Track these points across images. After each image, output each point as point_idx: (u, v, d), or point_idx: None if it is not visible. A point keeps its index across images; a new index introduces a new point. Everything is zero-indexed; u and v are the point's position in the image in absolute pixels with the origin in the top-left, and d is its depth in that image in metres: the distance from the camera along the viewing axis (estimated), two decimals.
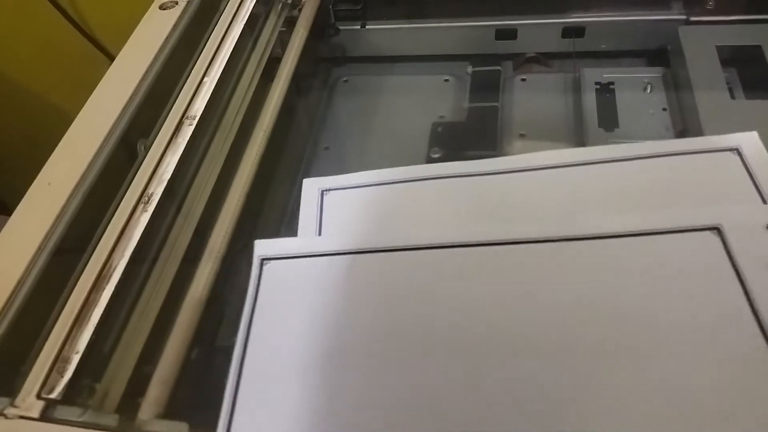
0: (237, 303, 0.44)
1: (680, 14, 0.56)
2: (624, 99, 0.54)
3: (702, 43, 0.52)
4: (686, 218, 0.38)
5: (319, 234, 0.43)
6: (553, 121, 0.56)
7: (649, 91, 0.55)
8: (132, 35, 0.54)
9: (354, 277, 0.39)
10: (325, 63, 0.65)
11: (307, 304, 0.38)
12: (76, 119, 0.47)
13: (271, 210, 0.52)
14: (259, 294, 0.38)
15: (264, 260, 0.40)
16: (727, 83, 0.50)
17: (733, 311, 0.34)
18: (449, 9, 0.62)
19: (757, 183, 0.41)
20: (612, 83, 0.56)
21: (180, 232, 0.43)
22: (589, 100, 0.55)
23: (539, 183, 0.44)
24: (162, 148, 0.45)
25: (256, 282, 0.39)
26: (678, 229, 0.38)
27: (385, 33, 0.63)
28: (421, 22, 0.63)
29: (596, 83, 0.56)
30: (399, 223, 0.43)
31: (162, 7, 0.56)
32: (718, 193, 0.41)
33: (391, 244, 0.40)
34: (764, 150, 0.42)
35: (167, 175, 0.43)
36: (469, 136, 0.56)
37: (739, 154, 0.43)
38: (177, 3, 0.56)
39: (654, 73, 0.56)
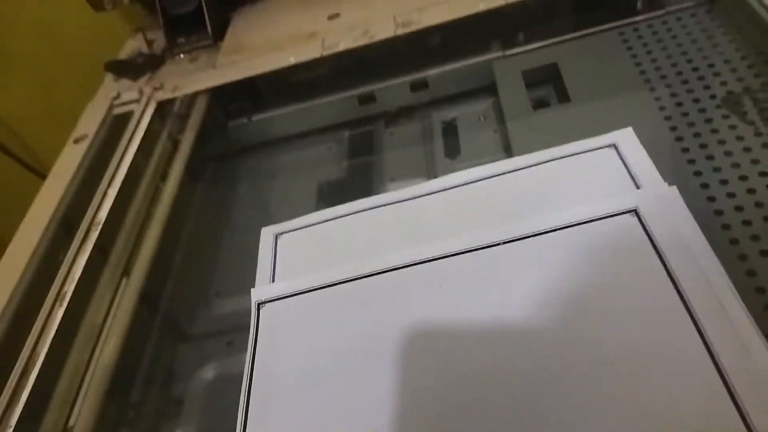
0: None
1: (498, 51, 0.66)
2: (464, 130, 0.64)
3: (510, 70, 0.62)
4: (605, 207, 0.43)
5: (274, 274, 0.50)
6: (412, 160, 0.65)
7: (483, 119, 0.64)
8: (54, 166, 0.65)
9: (334, 305, 0.46)
10: (215, 158, 0.75)
11: (301, 331, 0.45)
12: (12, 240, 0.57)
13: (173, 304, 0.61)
14: (259, 331, 0.45)
15: (260, 304, 0.47)
16: (541, 99, 0.60)
17: (656, 286, 0.38)
18: (317, 90, 0.73)
19: (632, 173, 0.45)
20: (455, 119, 0.66)
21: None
22: (438, 137, 0.65)
23: (452, 200, 0.51)
24: (74, 252, 0.55)
25: (255, 322, 0.46)
26: (598, 217, 0.43)
27: (269, 121, 0.74)
28: (298, 105, 0.74)
29: (442, 122, 0.66)
30: (353, 251, 0.50)
31: (75, 141, 0.67)
32: (600, 186, 0.46)
33: (358, 273, 0.47)
34: (638, 143, 0.47)
35: (77, 275, 0.53)
36: (348, 188, 0.65)
37: (616, 148, 0.48)
38: (87, 135, 0.67)
39: (486, 104, 0.65)
